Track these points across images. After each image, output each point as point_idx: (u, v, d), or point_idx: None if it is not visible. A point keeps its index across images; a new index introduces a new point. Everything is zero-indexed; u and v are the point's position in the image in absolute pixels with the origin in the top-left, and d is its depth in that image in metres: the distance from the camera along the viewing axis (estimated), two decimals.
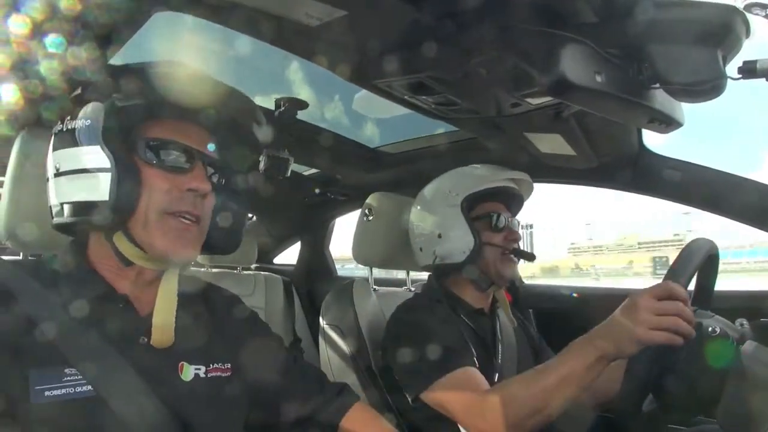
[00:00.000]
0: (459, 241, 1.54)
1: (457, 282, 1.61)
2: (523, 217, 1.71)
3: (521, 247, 1.60)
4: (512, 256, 1.57)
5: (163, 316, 0.90)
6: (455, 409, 1.28)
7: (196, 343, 0.95)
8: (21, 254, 1.20)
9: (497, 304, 1.64)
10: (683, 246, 1.12)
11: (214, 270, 2.55)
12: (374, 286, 1.84)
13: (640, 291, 1.05)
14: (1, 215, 1.14)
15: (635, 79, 0.98)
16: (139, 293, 0.92)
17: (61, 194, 0.88)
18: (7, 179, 1.16)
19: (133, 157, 0.87)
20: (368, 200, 1.83)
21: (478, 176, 1.61)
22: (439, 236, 1.58)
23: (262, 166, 1.77)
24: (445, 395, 1.29)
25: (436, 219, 1.60)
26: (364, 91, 1.46)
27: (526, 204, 1.71)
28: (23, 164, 1.13)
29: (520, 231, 1.65)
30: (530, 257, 1.63)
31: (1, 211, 1.14)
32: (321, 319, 1.72)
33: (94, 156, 0.84)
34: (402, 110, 1.51)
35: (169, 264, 0.93)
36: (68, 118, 0.88)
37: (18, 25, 1.00)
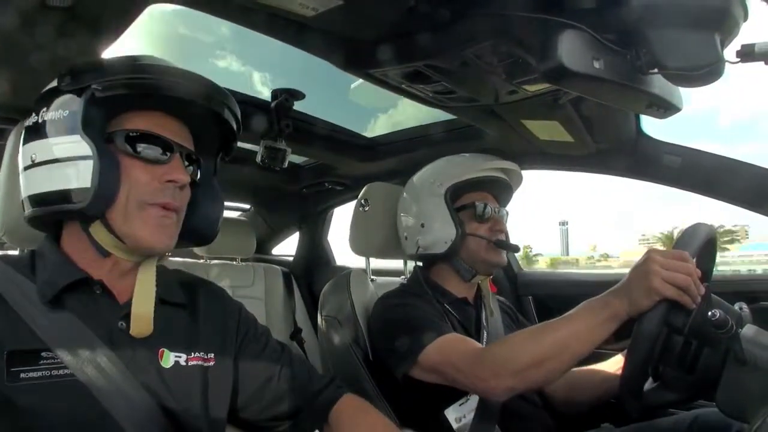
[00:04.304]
0: (441, 232, 1.54)
1: (440, 272, 1.62)
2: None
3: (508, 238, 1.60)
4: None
5: (142, 306, 0.91)
6: (453, 362, 1.26)
7: (177, 331, 0.97)
8: (18, 249, 1.20)
9: (483, 293, 1.64)
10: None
11: (213, 261, 2.54)
12: (371, 276, 1.84)
13: (655, 249, 1.08)
14: None
15: (633, 65, 0.97)
16: (116, 283, 0.93)
17: (35, 185, 0.89)
18: (1, 174, 1.15)
19: (113, 148, 0.89)
20: (364, 190, 1.83)
21: (463, 165, 1.60)
22: (422, 226, 1.59)
23: (259, 157, 1.77)
24: (439, 355, 1.29)
25: (420, 208, 1.61)
26: (360, 81, 1.45)
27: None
28: (17, 158, 1.12)
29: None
30: (515, 249, 1.63)
31: None
32: (319, 310, 1.72)
33: (74, 145, 0.85)
34: (399, 99, 1.50)
35: (145, 254, 0.94)
36: (44, 109, 0.89)
37: (9, 15, 0.99)
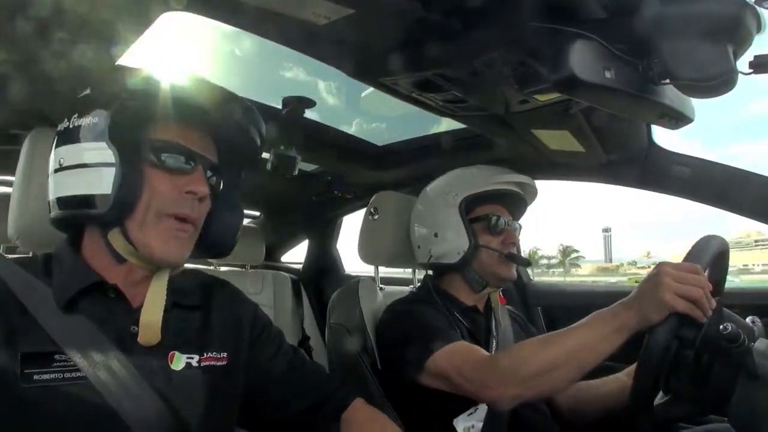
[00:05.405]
0: (454, 242, 1.55)
1: (451, 281, 1.63)
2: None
3: (520, 251, 1.62)
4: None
5: (151, 315, 0.91)
6: (461, 369, 1.25)
7: (189, 333, 0.98)
8: (31, 254, 1.21)
9: (492, 305, 1.63)
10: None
11: (223, 268, 2.55)
12: (380, 285, 1.83)
13: (666, 262, 1.08)
14: (11, 214, 1.15)
15: (645, 75, 0.97)
16: (130, 288, 0.94)
17: (62, 188, 0.91)
18: (16, 179, 1.17)
19: (137, 157, 0.90)
20: (373, 199, 1.83)
21: (479, 177, 1.61)
22: (436, 235, 1.60)
23: (269, 164, 1.77)
24: (447, 362, 1.29)
25: (434, 218, 1.62)
26: (371, 89, 1.46)
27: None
28: (32, 164, 1.14)
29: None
30: (525, 263, 1.67)
31: (11, 210, 1.15)
32: (327, 318, 1.72)
33: (100, 151, 0.87)
34: (409, 108, 1.50)
35: (158, 264, 0.95)
36: (75, 115, 0.91)
37: (25, 23, 1.00)
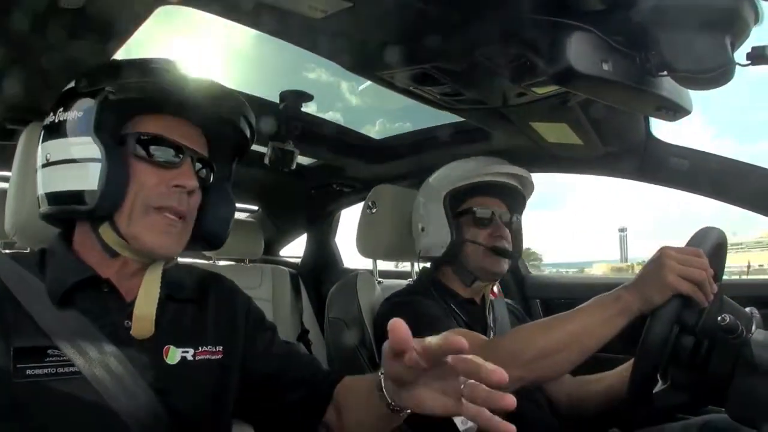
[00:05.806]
0: (437, 236, 1.55)
1: (446, 273, 1.62)
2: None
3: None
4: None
5: (144, 308, 0.91)
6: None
7: (184, 327, 0.97)
8: (28, 249, 1.21)
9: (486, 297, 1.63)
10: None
11: (221, 263, 2.55)
12: (378, 279, 1.84)
13: (668, 246, 1.08)
14: (8, 210, 1.14)
15: (642, 67, 0.96)
16: (123, 282, 0.94)
17: (50, 184, 0.91)
18: (12, 175, 1.16)
19: (124, 151, 0.90)
20: (371, 192, 1.83)
21: (465, 170, 1.59)
22: (422, 230, 1.61)
23: (267, 158, 1.77)
24: None
25: (422, 212, 1.62)
26: (369, 82, 1.46)
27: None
28: (28, 159, 1.13)
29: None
30: (511, 256, 1.59)
31: (7, 206, 1.15)
32: (326, 312, 1.72)
33: (85, 146, 0.87)
34: (407, 101, 1.50)
35: (150, 257, 0.94)
36: (61, 109, 0.91)
37: (20, 17, 1.00)
